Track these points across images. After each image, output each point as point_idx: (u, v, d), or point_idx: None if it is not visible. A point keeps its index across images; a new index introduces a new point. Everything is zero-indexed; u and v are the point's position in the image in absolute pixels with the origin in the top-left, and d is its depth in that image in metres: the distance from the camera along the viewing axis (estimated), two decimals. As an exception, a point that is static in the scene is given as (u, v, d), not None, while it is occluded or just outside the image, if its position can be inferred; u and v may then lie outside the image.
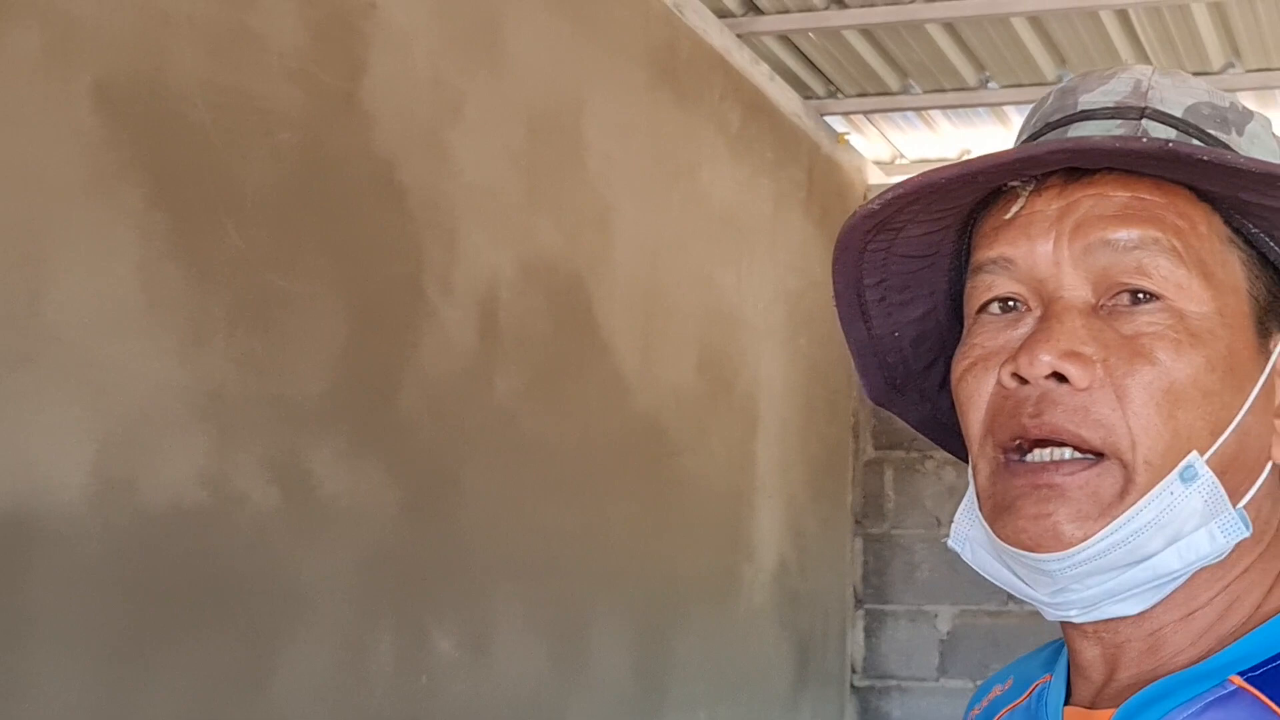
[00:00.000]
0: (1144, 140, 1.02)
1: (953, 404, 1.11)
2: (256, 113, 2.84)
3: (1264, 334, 1.07)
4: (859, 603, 6.14)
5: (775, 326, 5.29)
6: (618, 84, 4.18)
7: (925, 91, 5.53)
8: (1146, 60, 5.11)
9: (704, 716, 4.73)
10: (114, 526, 2.53)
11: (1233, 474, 1.04)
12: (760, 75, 5.16)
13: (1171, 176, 1.05)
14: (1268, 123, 1.11)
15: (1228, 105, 1.10)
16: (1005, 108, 5.69)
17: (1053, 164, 1.06)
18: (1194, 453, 1.02)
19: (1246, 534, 1.03)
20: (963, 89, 5.47)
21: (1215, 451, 1.03)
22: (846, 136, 6.00)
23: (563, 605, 3.91)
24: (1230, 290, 1.06)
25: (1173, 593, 1.05)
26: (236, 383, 2.79)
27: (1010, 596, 5.89)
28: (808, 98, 5.59)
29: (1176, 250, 1.04)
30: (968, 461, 1.11)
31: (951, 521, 1.11)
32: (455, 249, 3.43)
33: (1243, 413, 1.04)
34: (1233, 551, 1.04)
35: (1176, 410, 1.02)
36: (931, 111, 5.78)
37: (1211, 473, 1.02)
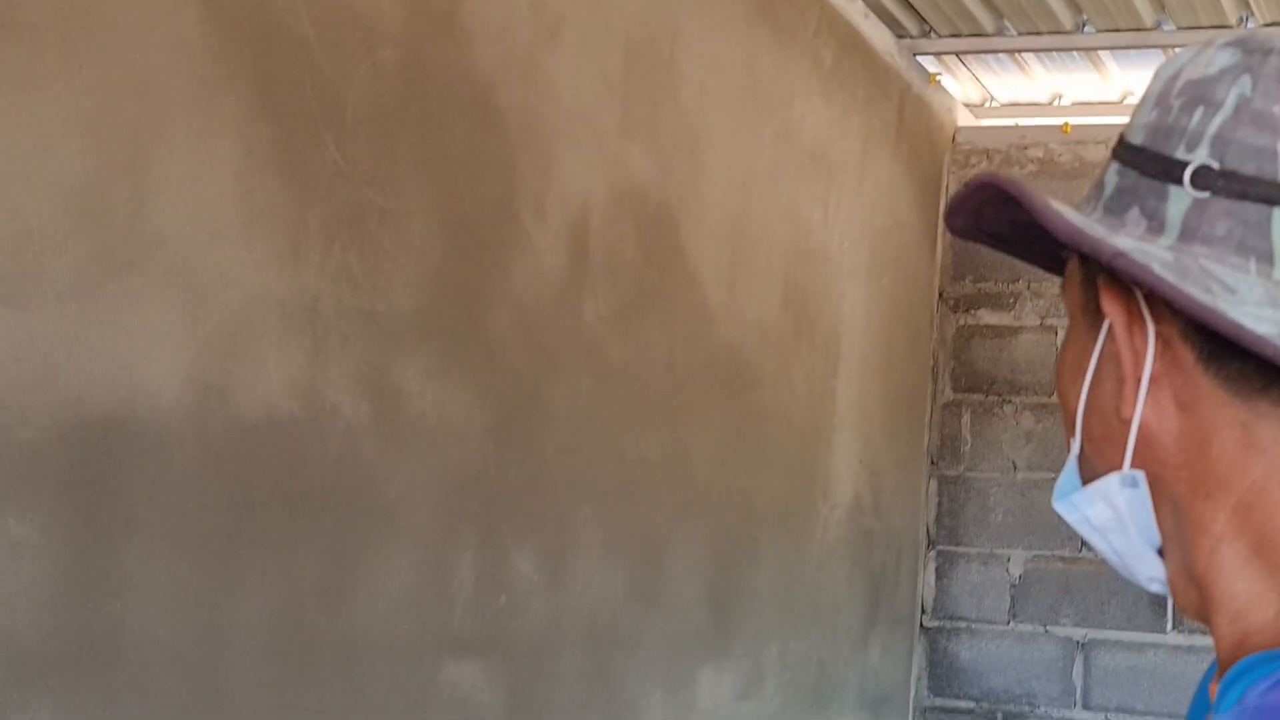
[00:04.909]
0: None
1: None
2: (359, 29, 2.86)
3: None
4: (931, 544, 6.14)
5: (860, 265, 5.28)
6: (715, 15, 4.17)
7: (1020, 33, 5.48)
8: (1249, 8, 5.05)
9: (775, 649, 4.75)
10: (208, 433, 2.57)
11: (1103, 446, 1.09)
12: (855, 12, 5.13)
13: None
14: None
15: (1178, 107, 1.08)
16: (1100, 53, 5.63)
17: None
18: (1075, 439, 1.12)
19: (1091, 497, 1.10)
20: (1058, 32, 5.42)
21: (1080, 432, 1.11)
22: (938, 77, 5.96)
23: (641, 532, 3.93)
24: (1075, 287, 1.11)
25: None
26: (331, 296, 2.82)
27: (1084, 543, 5.88)
28: (901, 36, 5.55)
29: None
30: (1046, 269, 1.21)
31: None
32: (549, 173, 3.44)
33: (1084, 392, 1.09)
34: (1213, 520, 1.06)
35: (1066, 409, 1.13)
36: (1025, 54, 5.73)
37: (1077, 448, 1.12)
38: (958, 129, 6.25)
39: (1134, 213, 1.05)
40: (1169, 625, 5.84)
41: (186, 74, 2.50)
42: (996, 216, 1.13)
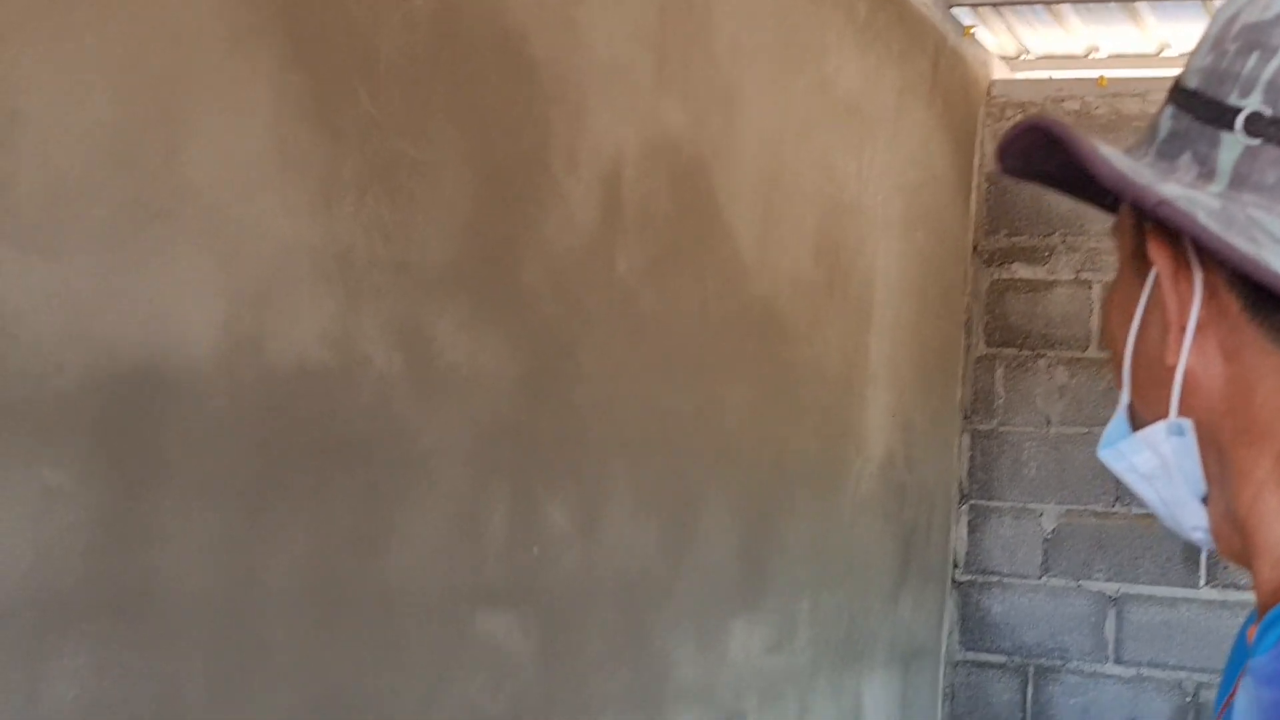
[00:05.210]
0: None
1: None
2: (392, -22, 2.85)
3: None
4: (964, 498, 6.14)
5: (893, 219, 5.26)
6: (748, -35, 4.15)
7: (1056, -15, 5.45)
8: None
9: (806, 603, 4.76)
10: (241, 383, 2.57)
11: (1149, 394, 1.09)
12: (890, -37, 5.11)
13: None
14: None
15: (1232, 53, 1.06)
16: (1137, 4, 5.59)
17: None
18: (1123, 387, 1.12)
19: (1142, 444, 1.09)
20: (1095, -16, 5.38)
21: (1128, 378, 1.10)
22: (973, 30, 5.93)
23: (673, 484, 3.94)
24: (1126, 232, 1.11)
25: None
26: (364, 247, 2.82)
27: (1118, 497, 5.88)
28: (936, -12, 5.52)
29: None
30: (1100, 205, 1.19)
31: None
32: (582, 125, 3.43)
33: (1131, 338, 1.09)
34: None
35: (1114, 356, 1.13)
36: (1061, 6, 5.69)
37: (1126, 398, 1.11)
38: (992, 82, 6.22)
39: (1186, 158, 1.04)
40: (1202, 580, 5.83)
41: (219, 23, 2.50)
42: (1046, 159, 1.12)
